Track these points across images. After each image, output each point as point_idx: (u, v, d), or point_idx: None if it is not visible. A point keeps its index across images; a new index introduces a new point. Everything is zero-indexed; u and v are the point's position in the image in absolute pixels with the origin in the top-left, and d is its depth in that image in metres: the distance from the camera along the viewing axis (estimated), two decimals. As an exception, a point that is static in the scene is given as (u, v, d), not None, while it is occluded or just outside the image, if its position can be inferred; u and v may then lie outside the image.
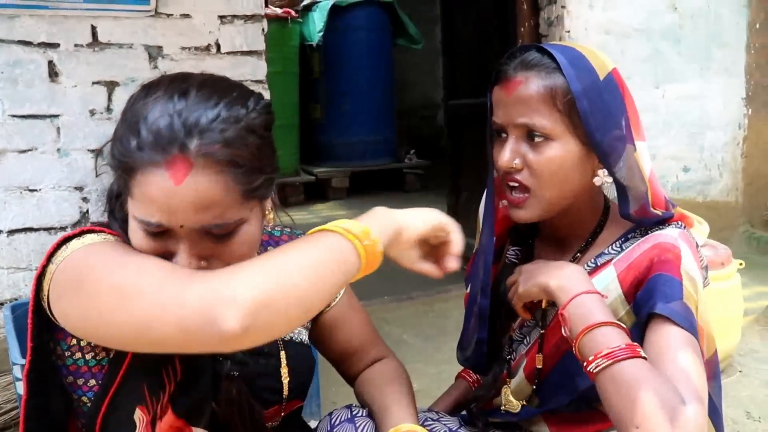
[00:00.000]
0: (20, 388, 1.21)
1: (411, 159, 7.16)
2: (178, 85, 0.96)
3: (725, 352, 2.58)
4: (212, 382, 1.06)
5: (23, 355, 1.17)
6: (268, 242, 1.28)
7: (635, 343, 1.08)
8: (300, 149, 6.56)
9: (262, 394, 1.17)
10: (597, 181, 1.22)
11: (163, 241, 0.95)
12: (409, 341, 2.91)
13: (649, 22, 3.66)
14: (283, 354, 1.19)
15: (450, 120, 4.41)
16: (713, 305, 2.26)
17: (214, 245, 0.96)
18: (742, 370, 2.68)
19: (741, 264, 2.62)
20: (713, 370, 1.22)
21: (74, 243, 0.99)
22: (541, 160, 1.18)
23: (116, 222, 1.05)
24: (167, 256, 0.96)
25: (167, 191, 0.90)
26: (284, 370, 1.19)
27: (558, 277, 1.18)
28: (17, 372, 1.41)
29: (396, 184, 7.02)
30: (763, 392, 2.50)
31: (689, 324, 1.08)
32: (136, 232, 0.96)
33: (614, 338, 1.08)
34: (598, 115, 1.16)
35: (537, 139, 1.18)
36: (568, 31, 3.33)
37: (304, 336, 1.27)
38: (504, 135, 1.22)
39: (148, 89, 0.97)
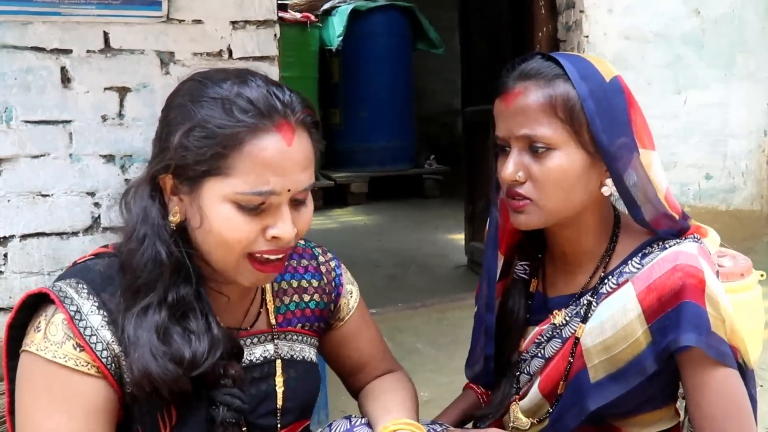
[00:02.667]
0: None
1: (431, 165, 7.13)
2: (238, 73, 1.04)
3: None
4: (207, 426, 1.05)
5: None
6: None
7: None
8: (319, 154, 6.55)
9: (262, 422, 1.16)
10: (605, 191, 1.19)
11: (259, 218, 1.00)
12: (422, 350, 2.88)
13: (670, 27, 3.59)
14: (279, 379, 1.18)
15: (467, 127, 4.38)
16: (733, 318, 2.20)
17: (294, 214, 1.03)
18: (763, 384, 2.60)
19: (762, 275, 2.53)
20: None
21: (37, 339, 1.00)
22: (544, 171, 1.15)
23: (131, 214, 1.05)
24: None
25: (282, 152, 0.98)
26: (279, 395, 1.17)
27: None
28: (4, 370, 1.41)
29: (415, 190, 7.00)
30: (779, 407, 2.43)
31: (722, 355, 1.11)
32: (231, 218, 0.99)
33: None
34: (604, 117, 1.14)
35: (540, 150, 1.15)
36: (587, 36, 3.27)
37: (309, 353, 1.25)
38: (507, 148, 1.19)
39: (209, 84, 1.01)
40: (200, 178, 1.01)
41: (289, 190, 1.01)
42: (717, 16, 3.74)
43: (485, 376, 1.38)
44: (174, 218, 1.05)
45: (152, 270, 1.02)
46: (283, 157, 0.99)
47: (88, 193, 2.24)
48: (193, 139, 0.99)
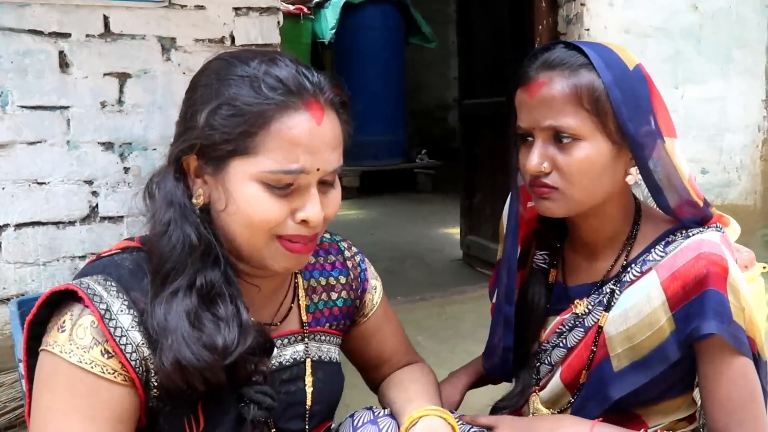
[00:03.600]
0: (25, 384, 1.17)
1: (423, 159, 7.12)
2: (265, 53, 1.02)
3: (749, 358, 2.51)
4: (235, 427, 1.01)
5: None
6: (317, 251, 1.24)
7: None
8: (311, 148, 6.52)
9: (290, 426, 1.13)
10: (630, 180, 1.18)
11: (287, 200, 0.97)
12: (422, 343, 2.85)
13: (669, 22, 3.59)
14: (309, 380, 1.15)
15: (464, 120, 4.35)
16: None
17: (322, 198, 1.00)
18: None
19: (765, 267, 2.54)
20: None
21: (61, 340, 0.95)
22: (570, 162, 1.14)
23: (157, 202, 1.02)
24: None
25: (311, 131, 0.96)
26: (308, 398, 1.14)
27: None
28: (22, 369, 1.37)
29: (407, 184, 6.99)
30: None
31: (740, 344, 1.11)
32: (258, 198, 0.96)
33: None
34: (630, 105, 1.13)
35: (565, 141, 1.13)
36: (588, 30, 3.27)
37: (334, 353, 1.22)
38: (530, 139, 1.18)
39: (236, 63, 0.99)
40: (226, 158, 0.97)
41: (318, 170, 0.98)
42: (714, 11, 3.75)
43: (504, 368, 1.37)
44: (198, 201, 1.01)
45: (181, 253, 0.97)
46: (312, 135, 0.96)
47: (85, 182, 2.19)
48: (220, 117, 0.96)
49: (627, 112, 1.12)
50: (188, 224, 0.98)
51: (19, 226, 2.16)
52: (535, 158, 1.15)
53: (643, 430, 1.17)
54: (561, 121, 1.12)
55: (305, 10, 6.24)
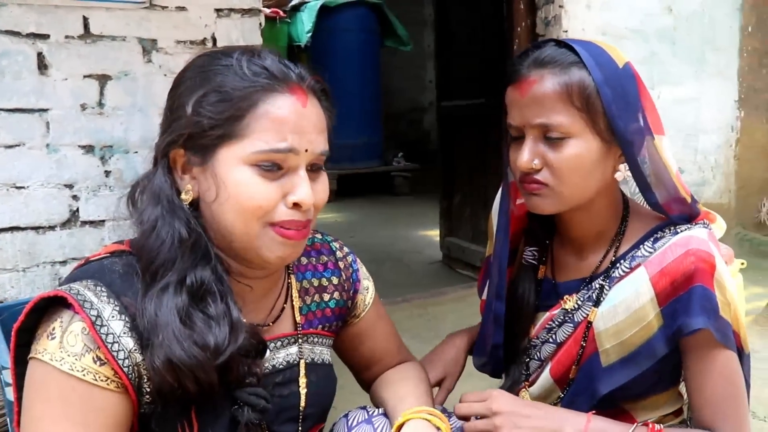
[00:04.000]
0: (9, 393, 1.14)
1: (399, 162, 7.13)
2: (247, 46, 1.05)
3: (729, 353, 2.56)
4: (229, 431, 1.01)
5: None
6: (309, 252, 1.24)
7: (652, 428, 1.15)
8: (288, 151, 6.50)
9: (283, 429, 1.12)
10: (618, 176, 1.20)
11: (278, 183, 0.98)
12: (407, 344, 2.86)
13: (644, 24, 3.65)
14: (303, 382, 1.14)
15: (442, 121, 4.37)
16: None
17: (312, 184, 1.01)
18: (745, 372, 2.66)
19: (743, 264, 2.59)
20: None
21: (51, 348, 0.93)
22: (560, 159, 1.15)
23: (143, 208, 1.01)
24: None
25: (297, 111, 0.99)
26: (302, 401, 1.13)
27: (553, 430, 1.16)
28: (6, 377, 1.34)
29: (385, 187, 7.00)
30: (766, 392, 2.47)
31: (726, 339, 1.13)
32: (249, 182, 0.97)
33: None
34: (620, 103, 1.14)
35: (555, 138, 1.15)
36: (566, 31, 3.30)
37: (326, 355, 1.22)
38: (521, 136, 1.19)
39: (220, 55, 1.02)
40: (215, 146, 0.98)
41: (306, 151, 0.99)
42: (688, 14, 3.82)
43: (494, 365, 1.38)
44: (186, 197, 1.01)
45: (170, 248, 0.97)
46: (298, 115, 0.99)
47: (65, 185, 2.16)
48: (207, 104, 0.97)
49: (617, 110, 1.13)
50: (177, 219, 0.98)
51: (-3, 231, 2.11)
52: (526, 155, 1.16)
53: (637, 423, 1.18)
54: (551, 119, 1.14)
55: (281, 13, 6.21)
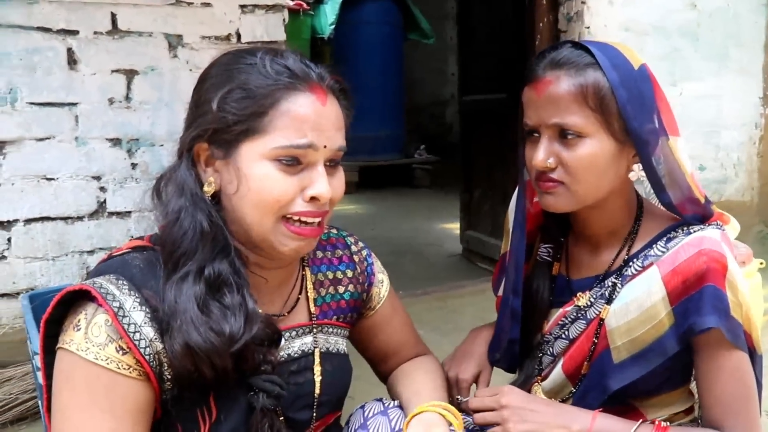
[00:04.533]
0: (40, 377, 1.20)
1: (421, 154, 7.14)
2: (269, 47, 1.09)
3: (746, 352, 2.55)
4: (245, 417, 1.05)
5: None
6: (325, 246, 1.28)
7: (658, 425, 1.17)
8: (310, 143, 6.53)
9: (298, 416, 1.16)
10: (632, 176, 1.22)
11: (296, 177, 1.03)
12: (424, 336, 2.85)
13: (667, 20, 3.63)
14: (318, 370, 1.18)
15: (464, 116, 4.38)
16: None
17: (329, 179, 1.06)
18: (763, 369, 2.65)
19: (762, 263, 2.58)
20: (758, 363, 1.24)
21: (77, 339, 0.98)
22: (575, 158, 1.17)
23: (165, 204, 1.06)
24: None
25: (317, 110, 1.03)
26: (317, 389, 1.17)
27: (560, 426, 1.18)
28: (37, 361, 1.40)
29: (405, 179, 7.01)
30: (782, 393, 2.48)
31: (737, 339, 1.15)
32: (269, 176, 1.01)
33: None
34: (635, 104, 1.16)
35: (570, 137, 1.17)
36: (588, 27, 3.30)
37: (342, 345, 1.26)
38: (536, 135, 1.21)
39: (244, 54, 1.07)
40: (238, 141, 1.02)
41: (325, 147, 1.04)
42: (712, 10, 3.78)
43: (509, 360, 1.40)
44: (209, 188, 1.05)
45: (192, 239, 1.02)
46: (318, 114, 1.03)
47: (93, 177, 2.22)
48: (231, 100, 1.02)
49: (632, 111, 1.15)
50: (199, 211, 1.03)
51: (28, 221, 2.19)
52: (541, 154, 1.18)
53: (641, 420, 1.19)
54: (566, 119, 1.16)
55: (305, 5, 6.24)
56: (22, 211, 2.17)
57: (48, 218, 2.19)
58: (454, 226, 4.57)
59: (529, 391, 1.36)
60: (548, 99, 1.17)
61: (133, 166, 2.25)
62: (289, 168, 1.02)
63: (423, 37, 7.07)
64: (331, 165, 1.07)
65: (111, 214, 2.25)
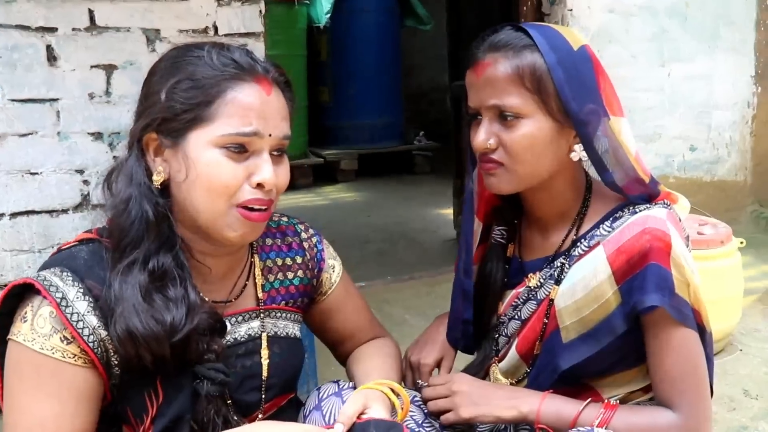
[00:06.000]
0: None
1: (420, 141, 7.14)
2: (217, 42, 1.14)
3: (725, 330, 2.58)
4: (191, 402, 1.09)
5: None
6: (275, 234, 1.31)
7: (607, 404, 1.20)
8: (308, 132, 6.55)
9: (246, 398, 1.19)
10: (574, 156, 1.23)
11: (243, 165, 1.07)
12: (411, 321, 2.92)
13: (654, 0, 3.60)
14: (265, 353, 1.21)
15: (454, 101, 4.39)
16: (712, 284, 2.27)
17: (275, 167, 1.10)
18: (743, 348, 2.67)
19: (742, 242, 2.60)
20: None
21: (24, 330, 1.03)
22: (513, 138, 1.20)
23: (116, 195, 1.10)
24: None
25: (262, 99, 1.08)
26: (264, 371, 1.21)
27: (510, 408, 1.23)
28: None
29: (405, 166, 7.01)
30: (762, 370, 2.50)
31: (684, 317, 1.16)
32: (217, 162, 1.06)
33: (592, 413, 1.19)
34: (573, 84, 1.18)
35: (509, 119, 1.19)
36: (571, 10, 3.30)
37: (293, 329, 1.29)
38: (479, 118, 1.24)
39: (192, 48, 1.12)
40: (186, 129, 1.06)
41: (270, 135, 1.09)
42: (701, -11, 3.76)
43: (464, 340, 1.43)
44: (158, 177, 1.09)
45: (138, 228, 1.06)
46: (263, 102, 1.08)
47: (77, 171, 2.26)
48: (180, 90, 1.06)
49: (570, 91, 1.17)
50: (146, 201, 1.07)
51: (14, 215, 2.23)
52: (482, 135, 1.21)
53: (590, 399, 1.22)
54: (504, 101, 1.19)
55: (300, -5, 6.24)
56: (7, 205, 2.22)
57: (33, 212, 2.24)
58: (451, 212, 4.59)
59: (486, 371, 1.40)
60: (486, 81, 1.20)
61: (115, 159, 2.29)
62: (236, 155, 1.06)
63: (420, 23, 7.04)
64: (276, 154, 1.11)
65: (95, 206, 2.29)
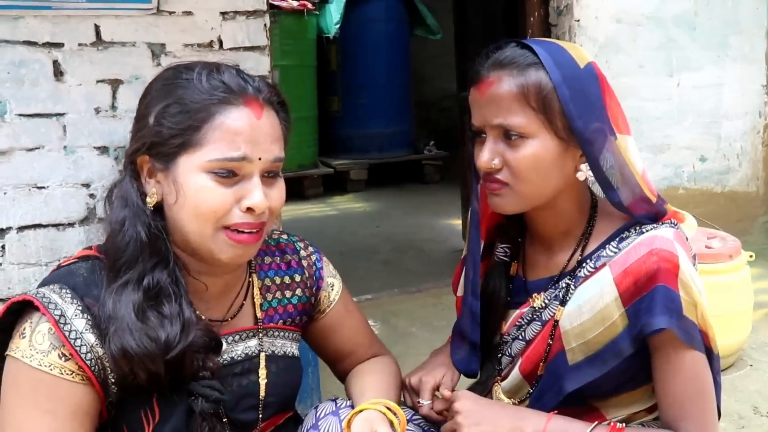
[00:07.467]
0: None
1: (430, 150, 7.13)
2: (210, 62, 1.13)
3: (734, 345, 2.54)
4: (187, 419, 1.09)
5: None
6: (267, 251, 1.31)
7: (613, 427, 1.17)
8: (318, 142, 6.57)
9: (243, 416, 1.19)
10: (580, 176, 1.21)
11: (232, 189, 1.06)
12: (416, 333, 2.91)
13: (661, 10, 3.58)
14: (263, 372, 1.21)
15: (462, 111, 4.39)
16: (721, 299, 2.24)
17: (267, 190, 1.09)
18: (753, 363, 2.63)
19: (751, 256, 2.56)
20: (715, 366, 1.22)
21: (22, 346, 1.03)
22: (518, 158, 1.17)
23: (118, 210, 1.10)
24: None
25: (251, 123, 1.07)
26: (261, 390, 1.20)
27: (514, 428, 1.18)
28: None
29: (415, 175, 7.01)
30: (773, 387, 2.46)
31: (692, 339, 1.13)
32: (205, 188, 1.05)
33: None
34: (579, 102, 1.15)
35: (513, 138, 1.17)
36: (578, 20, 3.28)
37: (291, 348, 1.29)
38: (483, 135, 1.21)
39: (183, 70, 1.10)
40: (176, 154, 1.06)
41: (260, 159, 1.08)
42: (710, -2, 3.74)
43: (470, 362, 1.40)
44: (151, 200, 1.09)
45: (133, 249, 1.07)
46: (252, 127, 1.07)
47: (83, 185, 2.27)
48: (168, 115, 1.06)
49: (576, 110, 1.15)
50: (140, 223, 1.07)
51: (21, 228, 2.24)
52: (486, 155, 1.19)
53: (597, 421, 1.19)
54: (509, 120, 1.16)
55: (309, 5, 6.26)
56: (14, 219, 2.22)
57: (40, 225, 2.24)
58: (459, 222, 4.58)
59: (489, 390, 1.37)
60: (491, 99, 1.17)
61: (121, 173, 2.30)
62: (225, 180, 1.06)
63: (429, 33, 7.05)
64: (269, 176, 1.10)
65: (101, 220, 2.29)
